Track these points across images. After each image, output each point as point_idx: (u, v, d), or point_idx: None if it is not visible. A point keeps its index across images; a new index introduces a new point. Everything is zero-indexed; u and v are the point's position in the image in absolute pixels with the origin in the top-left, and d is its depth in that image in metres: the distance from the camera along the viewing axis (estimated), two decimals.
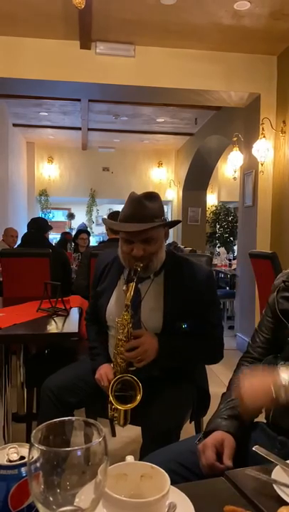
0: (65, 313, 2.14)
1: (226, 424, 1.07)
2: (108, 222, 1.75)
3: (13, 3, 3.45)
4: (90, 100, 5.90)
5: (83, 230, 7.05)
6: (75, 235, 6.90)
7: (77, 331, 1.87)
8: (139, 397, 1.41)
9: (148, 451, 1.36)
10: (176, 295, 1.57)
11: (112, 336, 1.62)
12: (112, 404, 1.46)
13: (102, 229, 9.21)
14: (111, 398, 1.43)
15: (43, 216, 9.33)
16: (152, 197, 1.54)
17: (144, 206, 1.48)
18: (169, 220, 1.82)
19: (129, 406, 1.43)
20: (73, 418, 0.54)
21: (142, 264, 1.49)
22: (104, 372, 1.56)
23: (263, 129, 4.23)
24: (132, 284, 1.46)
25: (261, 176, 4.37)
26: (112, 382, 1.45)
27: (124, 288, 1.50)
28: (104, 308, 1.64)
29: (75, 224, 11.06)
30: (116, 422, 1.50)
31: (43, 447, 0.48)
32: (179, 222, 1.74)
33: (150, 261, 1.53)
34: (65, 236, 7.23)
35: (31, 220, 4.12)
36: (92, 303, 1.81)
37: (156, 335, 1.53)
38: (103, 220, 1.79)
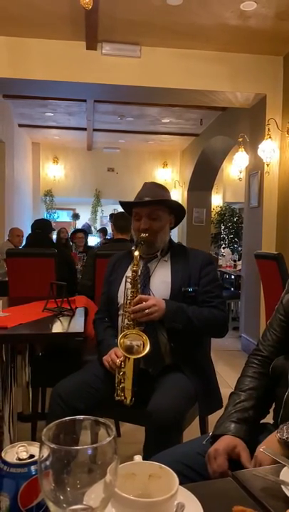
0: (71, 313, 2.15)
1: (235, 428, 1.06)
2: (124, 202, 1.90)
3: (19, 5, 3.47)
4: (95, 101, 5.92)
5: (79, 230, 7.08)
6: (71, 234, 6.91)
7: (82, 330, 1.87)
8: (147, 349, 1.51)
9: (151, 444, 1.40)
10: (182, 270, 1.75)
11: (122, 314, 1.71)
12: (120, 375, 1.56)
13: (108, 229, 9.22)
14: (121, 350, 1.53)
15: (47, 216, 9.43)
16: (162, 187, 1.87)
17: (154, 190, 1.80)
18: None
19: (137, 356, 1.52)
20: (83, 417, 0.54)
21: (147, 234, 1.71)
22: (113, 351, 1.65)
23: (268, 129, 4.21)
24: (140, 246, 1.68)
25: (267, 177, 4.36)
26: (120, 336, 1.56)
27: (133, 247, 1.72)
28: (116, 291, 1.79)
29: (80, 224, 11.11)
30: (123, 399, 1.55)
31: (53, 445, 0.48)
32: (183, 213, 1.88)
33: (154, 238, 1.74)
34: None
35: (36, 221, 4.17)
36: (103, 296, 1.91)
37: (164, 299, 1.66)
38: (120, 202, 1.93)
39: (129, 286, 1.65)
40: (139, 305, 1.59)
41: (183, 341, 1.68)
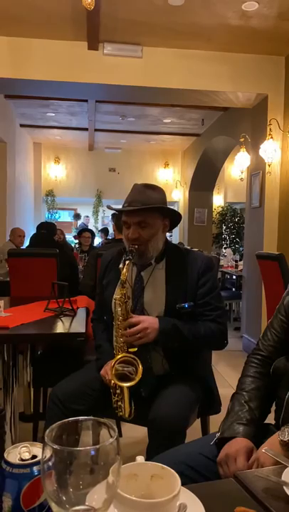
0: (72, 314, 2.15)
1: (244, 430, 1.06)
2: (111, 207, 1.85)
3: (21, 5, 3.47)
4: (97, 101, 5.92)
5: (86, 229, 7.05)
6: (78, 234, 6.91)
7: (84, 331, 1.87)
8: (138, 375, 1.46)
9: (154, 450, 1.38)
10: (178, 280, 1.63)
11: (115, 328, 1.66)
12: (116, 396, 1.51)
13: (109, 229, 9.22)
14: (112, 377, 1.48)
15: (49, 216, 9.46)
16: (153, 187, 1.66)
17: (144, 194, 1.60)
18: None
19: (129, 384, 1.47)
20: (86, 418, 0.54)
21: (136, 246, 1.57)
22: (109, 368, 1.59)
23: (270, 129, 4.21)
24: (128, 263, 1.53)
25: (268, 177, 4.35)
26: (113, 362, 1.49)
27: (121, 265, 1.55)
28: (110, 298, 1.68)
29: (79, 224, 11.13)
30: (122, 414, 1.53)
31: (56, 446, 0.48)
32: (179, 216, 1.74)
33: (145, 248, 1.59)
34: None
35: (41, 223, 4.31)
36: (98, 299, 1.85)
37: (158, 317, 1.58)
38: (108, 206, 1.88)
39: (118, 308, 1.55)
40: (129, 330, 1.51)
41: (179, 355, 1.63)
